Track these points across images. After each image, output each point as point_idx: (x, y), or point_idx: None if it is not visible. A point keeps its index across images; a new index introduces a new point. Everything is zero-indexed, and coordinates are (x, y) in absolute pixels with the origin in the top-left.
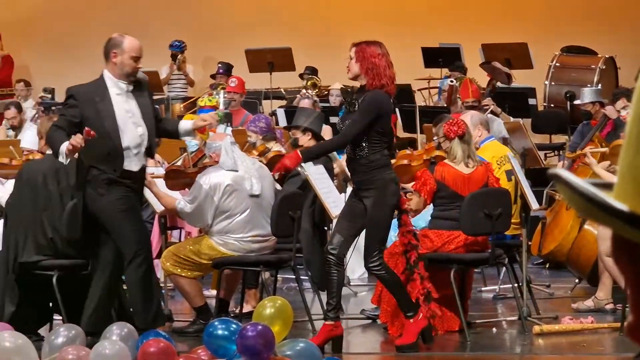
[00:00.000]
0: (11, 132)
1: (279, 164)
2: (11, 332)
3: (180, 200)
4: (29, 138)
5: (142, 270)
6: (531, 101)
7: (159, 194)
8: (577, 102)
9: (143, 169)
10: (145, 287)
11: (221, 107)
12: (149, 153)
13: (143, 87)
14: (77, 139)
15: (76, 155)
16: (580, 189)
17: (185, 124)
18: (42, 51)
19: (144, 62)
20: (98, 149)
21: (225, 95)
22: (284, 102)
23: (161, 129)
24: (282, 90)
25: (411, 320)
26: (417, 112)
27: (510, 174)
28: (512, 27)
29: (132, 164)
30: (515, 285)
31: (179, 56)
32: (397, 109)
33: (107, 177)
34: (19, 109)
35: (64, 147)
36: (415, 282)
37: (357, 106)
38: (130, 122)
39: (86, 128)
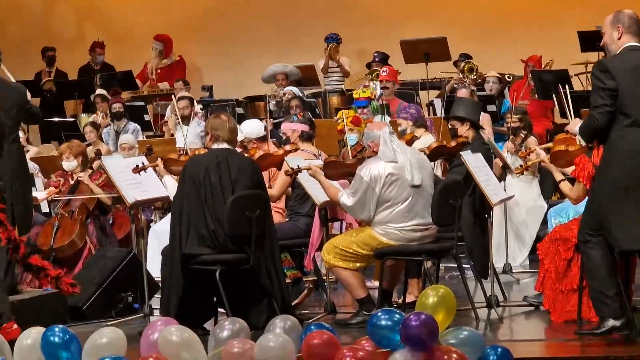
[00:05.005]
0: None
1: None
2: (178, 326)
3: (342, 193)
4: (189, 137)
5: None
6: None
7: (325, 184)
8: None
9: None
10: None
11: (377, 92)
12: None
13: None
14: None
15: None
16: None
17: None
18: (207, 50)
19: (299, 56)
20: None
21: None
22: (440, 92)
23: None
24: (438, 79)
25: None
26: (561, 96)
27: None
28: None
29: None
30: None
31: (330, 45)
32: (553, 95)
33: None
34: (192, 102)
35: None
36: None
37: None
38: None
39: None
